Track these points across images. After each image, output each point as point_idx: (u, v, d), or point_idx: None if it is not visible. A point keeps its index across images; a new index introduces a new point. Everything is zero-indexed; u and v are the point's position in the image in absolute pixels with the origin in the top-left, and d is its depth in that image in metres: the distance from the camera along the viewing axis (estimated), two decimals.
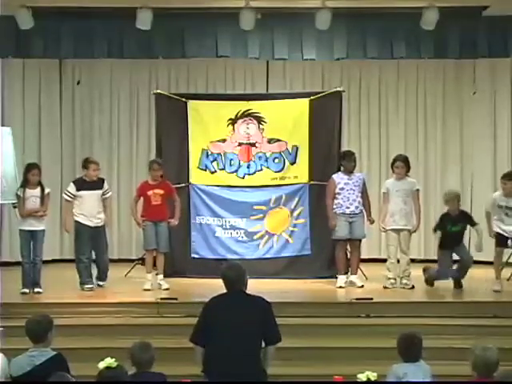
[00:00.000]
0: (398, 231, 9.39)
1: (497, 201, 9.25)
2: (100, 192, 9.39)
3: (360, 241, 9.66)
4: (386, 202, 9.51)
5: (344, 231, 9.40)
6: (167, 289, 9.33)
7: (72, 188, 9.35)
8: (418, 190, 9.66)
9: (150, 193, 9.43)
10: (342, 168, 9.69)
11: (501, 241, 9.23)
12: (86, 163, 9.49)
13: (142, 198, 9.55)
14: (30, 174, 9.25)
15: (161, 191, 9.43)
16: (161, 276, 9.45)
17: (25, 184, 9.28)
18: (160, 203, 9.42)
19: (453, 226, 9.12)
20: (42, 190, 9.28)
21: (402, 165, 9.46)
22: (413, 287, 9.42)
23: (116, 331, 7.99)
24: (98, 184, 9.43)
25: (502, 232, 9.22)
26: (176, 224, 9.56)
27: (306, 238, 10.43)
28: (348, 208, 9.43)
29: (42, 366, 5.53)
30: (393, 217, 9.39)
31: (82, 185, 9.37)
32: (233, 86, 12.01)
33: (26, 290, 9.14)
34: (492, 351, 5.05)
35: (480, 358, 5.02)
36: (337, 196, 9.46)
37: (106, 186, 9.54)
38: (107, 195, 9.52)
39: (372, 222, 9.69)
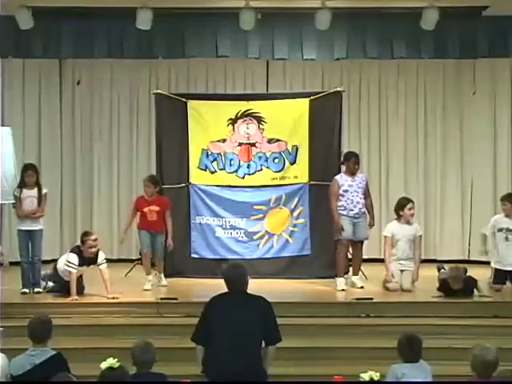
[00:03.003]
0: (400, 271, 9.35)
1: (498, 223, 9.22)
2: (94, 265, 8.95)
3: (362, 242, 9.64)
4: (388, 246, 9.41)
5: (348, 232, 9.38)
6: (165, 285, 9.38)
7: (75, 259, 8.75)
8: (420, 235, 9.58)
9: (145, 209, 9.42)
10: (343, 169, 9.67)
11: (499, 278, 9.18)
12: (83, 237, 8.94)
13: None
14: (26, 174, 9.23)
15: (156, 208, 9.41)
16: (161, 274, 9.55)
17: (22, 185, 9.26)
18: (156, 219, 9.42)
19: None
20: (40, 190, 9.26)
21: (413, 206, 9.42)
22: None
23: (116, 331, 7.99)
24: (93, 259, 8.90)
25: (500, 267, 9.19)
26: (172, 246, 9.53)
27: (305, 238, 10.43)
28: (352, 210, 9.39)
29: (42, 365, 5.56)
30: (399, 260, 9.35)
31: (80, 259, 8.81)
32: (233, 86, 12.01)
33: (26, 290, 9.14)
34: (491, 351, 5.05)
35: (478, 358, 5.02)
36: (340, 198, 9.40)
37: (100, 257, 8.90)
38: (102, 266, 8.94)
39: (372, 226, 9.68)
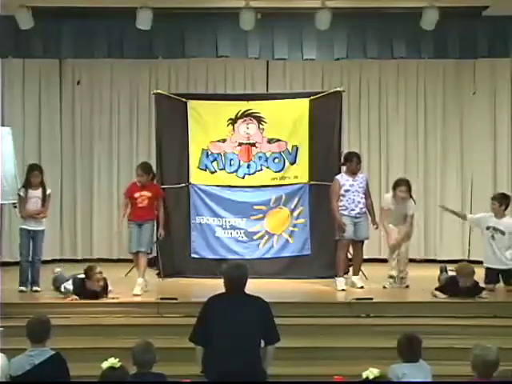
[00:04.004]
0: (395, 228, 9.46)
1: (487, 221, 9.28)
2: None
3: (363, 242, 9.63)
4: (386, 218, 9.47)
5: (348, 232, 9.37)
6: (138, 295, 8.96)
7: (71, 287, 8.72)
8: (413, 214, 9.60)
9: (137, 195, 9.31)
10: (344, 169, 9.67)
11: (490, 277, 9.21)
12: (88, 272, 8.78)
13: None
14: (32, 175, 9.25)
15: (148, 193, 9.30)
16: (140, 280, 9.18)
17: (27, 185, 9.28)
18: (146, 205, 9.28)
19: None
20: (44, 190, 9.28)
21: (405, 189, 9.42)
22: (407, 286, 9.47)
23: (116, 331, 7.98)
24: (100, 292, 8.76)
25: (490, 266, 9.24)
26: (163, 235, 9.51)
27: (305, 238, 10.43)
28: (353, 210, 9.39)
29: (41, 365, 5.55)
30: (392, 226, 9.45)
31: (81, 291, 8.72)
32: (233, 86, 12.01)
33: (24, 288, 9.15)
34: (491, 351, 5.04)
35: (479, 358, 5.01)
36: (341, 198, 9.40)
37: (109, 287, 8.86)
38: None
39: (377, 227, 9.68)
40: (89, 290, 8.67)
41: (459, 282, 8.74)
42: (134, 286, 9.18)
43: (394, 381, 5.40)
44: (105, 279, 8.79)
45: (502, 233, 9.21)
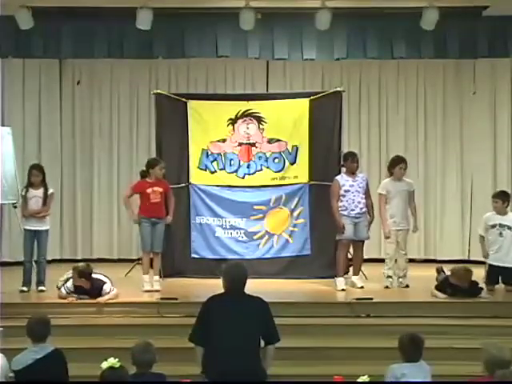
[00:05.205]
0: (396, 231, 9.42)
1: (490, 220, 9.25)
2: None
3: (363, 242, 9.63)
4: (384, 204, 9.48)
5: (349, 232, 9.37)
6: (158, 291, 9.14)
7: (71, 285, 8.74)
8: (414, 190, 9.70)
9: (149, 190, 9.31)
10: (343, 169, 9.68)
11: (492, 276, 9.17)
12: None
13: (138, 196, 9.46)
14: (31, 174, 9.29)
15: (160, 189, 9.34)
16: (156, 277, 9.36)
17: (28, 184, 9.31)
18: (159, 200, 9.32)
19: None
20: (46, 190, 9.30)
21: (405, 166, 9.53)
22: (407, 286, 9.48)
23: (116, 331, 7.98)
24: (93, 291, 8.69)
25: (496, 263, 9.18)
26: (171, 220, 9.51)
27: (305, 238, 10.43)
28: (353, 210, 9.39)
29: (42, 359, 5.61)
30: (393, 218, 9.42)
31: (74, 288, 8.74)
32: (233, 86, 12.02)
33: (25, 289, 9.17)
34: (507, 350, 5.08)
35: (497, 358, 5.01)
36: (341, 198, 9.40)
37: (105, 289, 8.70)
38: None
39: (369, 224, 9.67)
40: (77, 286, 8.67)
41: (453, 283, 8.75)
42: (134, 286, 9.23)
43: (393, 381, 5.41)
44: (98, 280, 8.74)
45: (510, 228, 9.20)
